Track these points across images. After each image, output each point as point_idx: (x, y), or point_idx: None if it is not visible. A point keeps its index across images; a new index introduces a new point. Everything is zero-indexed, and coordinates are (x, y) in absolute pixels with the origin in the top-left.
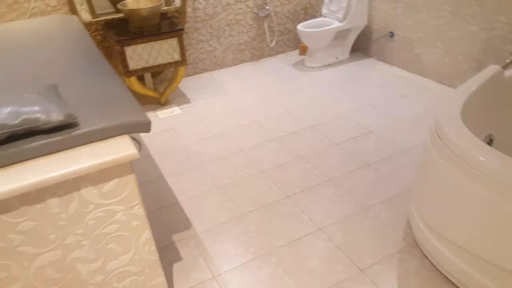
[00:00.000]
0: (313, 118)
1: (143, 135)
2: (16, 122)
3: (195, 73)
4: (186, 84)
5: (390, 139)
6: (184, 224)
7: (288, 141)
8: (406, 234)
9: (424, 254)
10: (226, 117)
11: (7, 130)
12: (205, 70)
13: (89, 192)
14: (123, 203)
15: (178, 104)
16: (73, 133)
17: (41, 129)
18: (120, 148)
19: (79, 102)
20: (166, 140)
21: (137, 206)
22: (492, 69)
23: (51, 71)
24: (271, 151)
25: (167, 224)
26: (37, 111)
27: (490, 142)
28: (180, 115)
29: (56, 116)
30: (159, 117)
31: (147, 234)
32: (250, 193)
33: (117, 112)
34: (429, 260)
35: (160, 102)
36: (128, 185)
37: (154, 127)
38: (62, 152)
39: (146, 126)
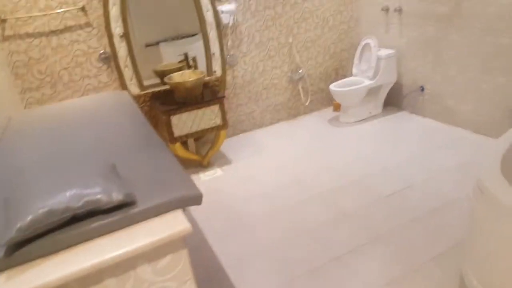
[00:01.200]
0: (354, 173)
1: None
2: (79, 204)
3: (234, 134)
4: (227, 145)
5: (434, 192)
6: None
7: (330, 197)
8: None
9: None
10: (267, 176)
11: (70, 214)
12: (244, 131)
13: (144, 270)
14: (176, 279)
15: (220, 166)
16: (131, 211)
17: (102, 209)
18: (174, 224)
19: (136, 179)
20: (209, 203)
21: (189, 281)
22: None
23: (107, 148)
24: (315, 209)
25: None
26: (98, 193)
27: None
28: (222, 176)
29: (116, 196)
30: (201, 179)
31: None
32: (297, 255)
33: (170, 187)
34: None
35: (202, 165)
36: (181, 260)
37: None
38: (121, 230)
39: (198, 199)
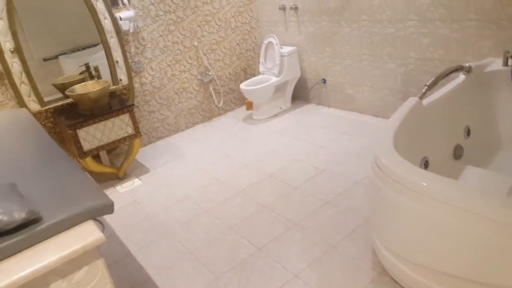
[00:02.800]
0: (269, 166)
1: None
2: None
3: (150, 142)
4: (143, 154)
5: (341, 175)
6: None
7: (250, 193)
8: (374, 263)
9: (394, 279)
10: (187, 180)
11: None
12: (160, 138)
13: (58, 286)
14: None
15: (137, 176)
16: (37, 228)
17: (5, 230)
18: (86, 235)
19: (40, 196)
20: (129, 214)
21: None
22: (411, 101)
23: (7, 168)
24: (236, 206)
25: None
26: None
27: (426, 163)
28: (141, 186)
29: (18, 215)
30: (119, 192)
31: None
32: (222, 252)
33: (78, 198)
34: (400, 285)
35: (118, 177)
36: (98, 271)
37: (115, 203)
38: (29, 249)
39: (109, 208)
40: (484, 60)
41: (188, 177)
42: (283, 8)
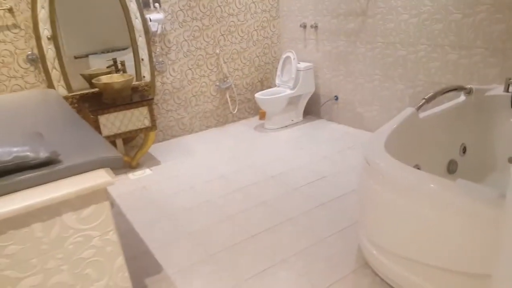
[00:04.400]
0: (273, 169)
1: (116, 195)
2: (9, 158)
3: (164, 139)
4: (156, 149)
5: (340, 183)
6: (156, 269)
7: (252, 190)
8: (358, 257)
9: (374, 272)
10: (194, 174)
11: (0, 165)
12: (174, 136)
13: (69, 218)
14: (99, 229)
15: (149, 166)
16: (57, 167)
17: (30, 164)
18: (96, 178)
19: (61, 146)
20: (137, 198)
21: (111, 232)
22: (408, 110)
23: (36, 125)
24: (237, 200)
25: (140, 271)
26: (26, 150)
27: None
28: (151, 175)
29: (43, 153)
30: (130, 178)
31: (120, 260)
32: (218, 236)
33: (93, 151)
34: (379, 277)
35: (131, 166)
36: (104, 211)
37: (125, 187)
38: (47, 184)
39: (118, 161)
40: (488, 85)
41: (195, 172)
42: (304, 26)
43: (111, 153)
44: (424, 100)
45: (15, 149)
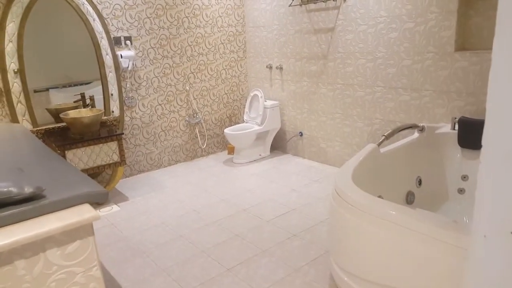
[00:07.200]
0: (245, 203)
1: None
2: None
3: (132, 174)
4: (123, 185)
5: (309, 214)
6: None
7: (224, 223)
8: (331, 285)
9: None
10: (165, 209)
11: None
12: (142, 171)
13: (53, 254)
14: (83, 265)
15: (117, 202)
16: (41, 202)
17: (14, 200)
18: (82, 212)
19: (42, 180)
20: (105, 235)
21: (95, 268)
22: (370, 146)
23: (12, 159)
24: (210, 233)
25: None
26: (10, 185)
27: None
28: (119, 211)
29: (27, 189)
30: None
31: None
32: (193, 271)
33: (77, 185)
34: None
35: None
36: (89, 246)
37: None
38: (33, 219)
39: (103, 196)
40: (437, 123)
41: (165, 207)
42: (270, 67)
43: (96, 187)
44: (384, 137)
45: None
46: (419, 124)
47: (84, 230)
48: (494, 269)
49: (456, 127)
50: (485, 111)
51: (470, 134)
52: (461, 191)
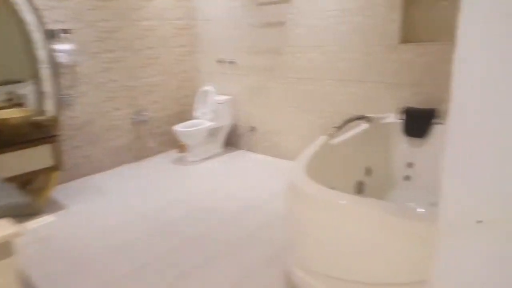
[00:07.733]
0: (198, 203)
1: None
2: None
3: (70, 179)
4: (60, 192)
5: (266, 211)
6: None
7: (177, 226)
8: (287, 283)
9: None
10: (109, 216)
11: None
12: (83, 175)
13: None
14: None
15: (52, 212)
16: None
17: None
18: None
19: None
20: (39, 251)
21: None
22: (321, 139)
23: None
24: (161, 238)
25: None
26: None
27: None
28: (54, 222)
29: None
30: (28, 228)
31: None
32: (148, 278)
33: None
34: None
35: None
36: (8, 269)
37: (22, 239)
38: None
39: (27, 207)
40: (384, 114)
41: (110, 213)
42: (221, 62)
43: (17, 198)
44: (334, 129)
45: None
46: (367, 115)
47: (2, 251)
48: (461, 258)
49: (402, 117)
50: (430, 100)
51: (414, 123)
52: (407, 178)
